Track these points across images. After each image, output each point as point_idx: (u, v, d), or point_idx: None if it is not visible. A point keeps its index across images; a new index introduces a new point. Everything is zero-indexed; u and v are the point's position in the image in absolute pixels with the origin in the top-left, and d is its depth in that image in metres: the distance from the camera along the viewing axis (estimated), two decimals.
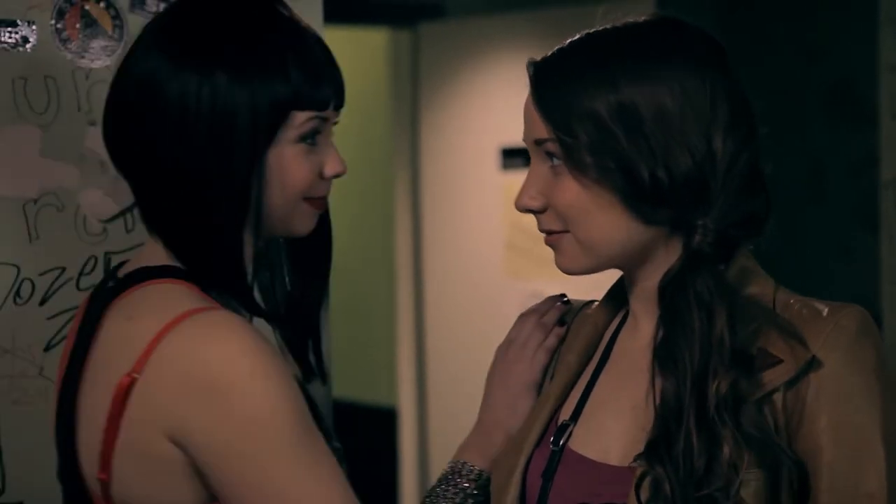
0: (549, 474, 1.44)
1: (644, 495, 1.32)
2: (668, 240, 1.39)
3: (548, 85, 1.39)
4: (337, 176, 1.54)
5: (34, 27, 1.79)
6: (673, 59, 1.37)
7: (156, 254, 1.48)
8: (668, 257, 1.39)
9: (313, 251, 1.62)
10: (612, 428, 1.42)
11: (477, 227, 4.63)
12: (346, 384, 4.58)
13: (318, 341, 1.62)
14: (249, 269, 1.52)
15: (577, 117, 1.36)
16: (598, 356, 1.50)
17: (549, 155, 1.39)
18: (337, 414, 2.31)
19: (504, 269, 4.52)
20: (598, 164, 1.35)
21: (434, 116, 4.80)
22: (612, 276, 1.52)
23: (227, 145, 1.44)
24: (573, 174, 1.37)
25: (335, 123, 1.55)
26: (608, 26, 1.43)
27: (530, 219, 1.44)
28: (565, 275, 1.45)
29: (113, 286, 1.48)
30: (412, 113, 4.86)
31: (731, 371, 1.32)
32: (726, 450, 1.30)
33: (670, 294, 1.37)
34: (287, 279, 1.62)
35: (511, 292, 4.50)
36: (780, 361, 1.32)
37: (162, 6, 1.87)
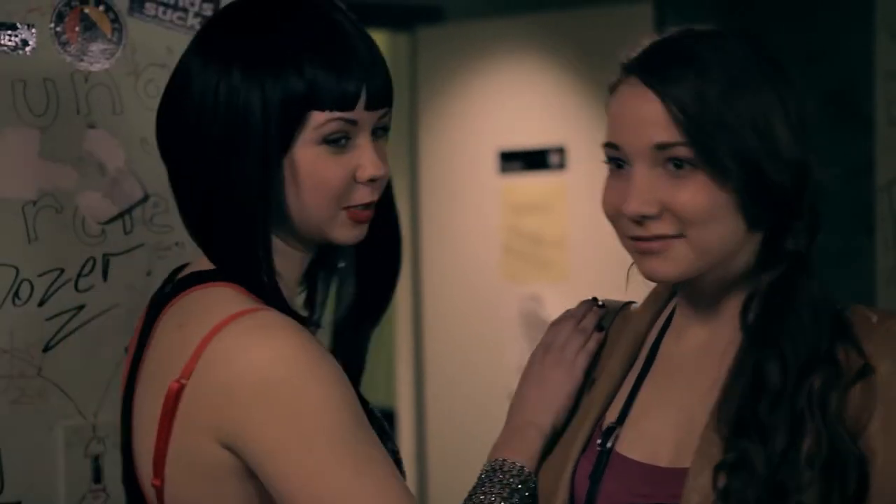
0: (596, 476, 1.45)
1: (721, 481, 1.34)
2: (743, 246, 1.41)
3: (683, 87, 1.36)
4: (372, 180, 1.46)
5: (34, 30, 1.81)
6: (780, 67, 1.41)
7: (206, 258, 1.47)
8: (736, 262, 1.41)
9: (378, 263, 1.57)
10: (660, 431, 1.44)
11: (475, 230, 4.64)
12: None
13: (364, 354, 1.59)
14: (296, 272, 1.50)
15: (715, 123, 1.36)
16: (641, 359, 1.51)
17: (671, 159, 1.37)
18: None
19: (502, 272, 4.53)
20: (734, 168, 1.36)
21: (432, 120, 4.81)
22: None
23: (241, 145, 1.41)
24: (709, 178, 1.36)
25: (383, 125, 1.48)
26: (707, 29, 1.43)
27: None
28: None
29: (168, 291, 1.48)
30: (410, 116, 4.87)
31: (825, 370, 1.35)
32: (807, 442, 1.33)
33: (776, 293, 1.39)
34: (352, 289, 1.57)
35: (509, 295, 4.50)
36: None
37: (161, 10, 1.88)
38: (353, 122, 1.44)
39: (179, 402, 1.39)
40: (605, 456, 1.45)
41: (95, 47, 1.84)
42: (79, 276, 1.83)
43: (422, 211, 4.84)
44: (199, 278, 1.45)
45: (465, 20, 4.68)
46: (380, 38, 5.12)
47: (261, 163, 1.42)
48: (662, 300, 1.53)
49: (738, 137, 1.35)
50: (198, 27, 1.89)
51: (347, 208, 1.46)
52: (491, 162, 4.60)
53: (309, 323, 1.50)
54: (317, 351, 1.39)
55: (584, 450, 1.47)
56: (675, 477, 1.38)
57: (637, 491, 1.41)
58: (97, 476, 1.84)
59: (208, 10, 1.90)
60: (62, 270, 1.82)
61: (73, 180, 1.83)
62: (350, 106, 1.43)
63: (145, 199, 1.87)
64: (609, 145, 1.41)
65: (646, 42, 1.42)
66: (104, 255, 1.85)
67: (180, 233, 1.87)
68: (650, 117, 1.37)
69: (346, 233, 1.47)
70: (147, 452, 1.43)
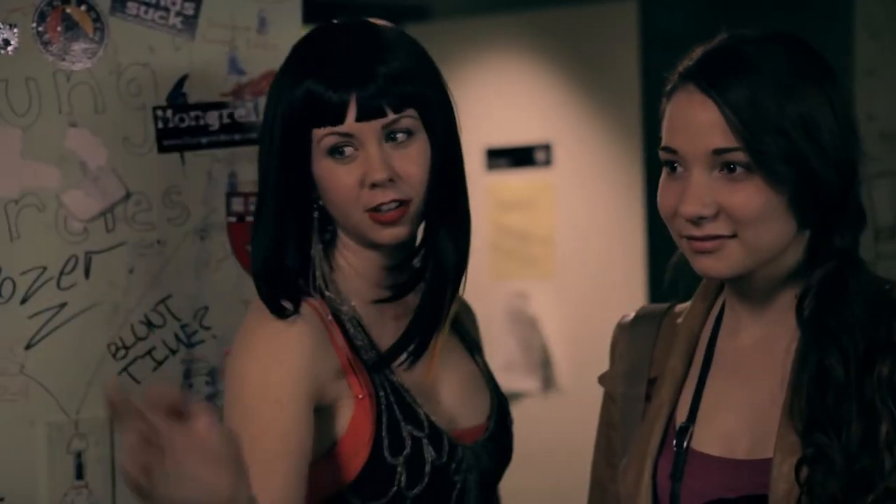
0: (677, 475, 1.49)
1: (803, 474, 1.39)
2: (793, 244, 1.47)
3: (739, 94, 1.42)
4: (375, 185, 1.56)
5: (16, 30, 1.81)
6: (828, 70, 1.48)
7: None
8: (786, 260, 1.47)
9: (440, 271, 1.66)
10: (733, 425, 1.49)
11: None
12: None
13: (424, 348, 1.66)
14: (372, 265, 1.63)
15: (770, 128, 1.41)
16: (699, 357, 1.56)
17: (727, 163, 1.43)
18: None
19: (488, 269, 4.55)
20: (787, 171, 1.42)
21: None
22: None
23: (267, 160, 1.60)
24: (764, 181, 1.42)
25: (401, 129, 1.58)
26: (758, 34, 1.48)
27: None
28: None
29: None
30: None
31: (889, 355, 1.41)
32: (884, 429, 1.38)
33: (828, 289, 1.45)
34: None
35: (495, 292, 4.52)
36: None
37: (143, 10, 1.89)
38: (349, 135, 1.56)
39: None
40: (683, 454, 1.50)
41: (77, 47, 1.85)
42: (61, 273, 1.84)
43: None
44: None
45: (452, 18, 4.70)
46: None
47: (277, 172, 1.59)
48: (711, 296, 1.59)
49: (789, 141, 1.41)
50: (179, 26, 1.91)
51: (368, 211, 1.57)
52: (477, 159, 4.61)
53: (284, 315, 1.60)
54: (273, 342, 1.56)
55: (660, 450, 1.52)
56: (755, 468, 1.44)
57: (722, 485, 1.46)
58: (79, 472, 1.85)
59: (190, 10, 1.91)
60: (44, 268, 1.83)
61: (55, 179, 1.84)
62: (339, 120, 1.55)
63: (127, 197, 1.88)
64: (666, 149, 1.47)
65: (700, 50, 1.48)
66: (86, 253, 1.86)
67: (162, 231, 1.89)
68: (708, 123, 1.43)
69: (378, 233, 1.59)
70: None
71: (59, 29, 1.84)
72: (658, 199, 1.48)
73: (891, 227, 3.00)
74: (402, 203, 1.57)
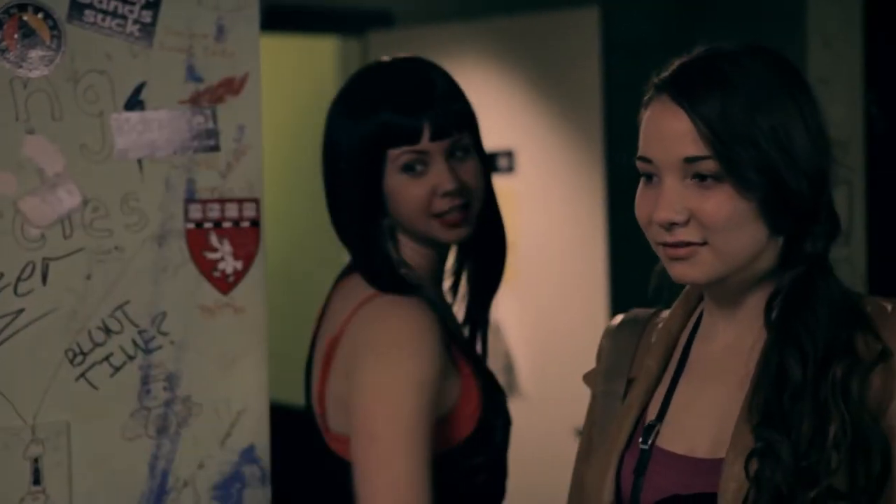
0: (640, 470, 1.55)
1: (753, 467, 1.44)
2: (765, 250, 1.51)
3: (710, 105, 1.47)
4: (446, 194, 1.89)
5: None
6: (801, 82, 1.52)
7: None
8: (759, 265, 1.51)
9: (485, 259, 2.03)
10: (698, 425, 1.54)
11: None
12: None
13: (485, 336, 2.04)
14: (431, 263, 1.96)
15: (740, 138, 1.46)
16: (675, 360, 1.61)
17: (698, 172, 1.47)
18: (288, 416, 2.34)
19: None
20: (757, 179, 1.46)
21: None
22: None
23: (338, 179, 1.94)
24: (734, 190, 1.46)
25: (461, 147, 1.92)
26: (733, 47, 1.53)
27: None
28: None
29: (342, 273, 1.99)
30: None
31: (845, 359, 1.45)
32: (833, 429, 1.43)
33: (795, 293, 1.50)
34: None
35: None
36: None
37: (100, 17, 1.90)
38: (424, 153, 1.89)
39: (334, 351, 1.90)
40: (648, 451, 1.55)
41: (34, 54, 1.86)
42: (18, 280, 1.85)
43: None
44: (351, 269, 1.97)
45: (415, 25, 4.71)
46: (330, 43, 5.14)
47: (357, 189, 1.91)
48: (692, 304, 1.64)
49: (760, 151, 1.46)
50: (137, 34, 1.92)
51: (435, 216, 1.90)
52: None
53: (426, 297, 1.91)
54: (422, 327, 1.83)
55: (627, 447, 1.58)
56: (713, 467, 1.49)
57: (680, 482, 1.51)
58: (36, 478, 1.85)
59: (147, 18, 1.92)
60: (1, 275, 1.84)
61: (12, 186, 1.84)
62: (415, 141, 1.88)
63: (84, 203, 1.89)
64: (641, 159, 1.52)
65: (676, 62, 1.53)
66: (43, 260, 1.86)
67: (120, 237, 1.90)
68: (679, 132, 1.49)
69: (445, 234, 1.92)
70: (316, 388, 1.94)
71: (15, 36, 1.84)
72: (635, 207, 1.53)
73: (844, 233, 3.04)
74: (465, 208, 1.91)
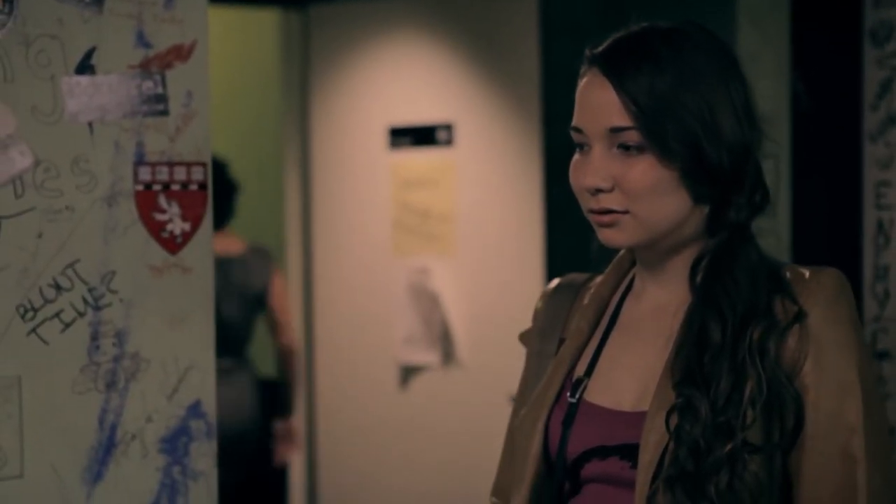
0: (568, 422, 1.63)
1: (673, 422, 1.52)
2: (690, 216, 1.59)
3: (637, 80, 1.54)
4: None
5: None
6: (732, 61, 1.60)
7: None
8: (684, 231, 1.59)
9: None
10: (624, 381, 1.62)
11: (365, 204, 4.72)
12: None
13: None
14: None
15: (664, 112, 1.54)
16: (605, 320, 1.69)
17: (623, 142, 1.55)
18: None
19: (391, 245, 4.63)
20: (679, 150, 1.54)
21: (324, 97, 4.88)
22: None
23: None
24: (656, 159, 1.54)
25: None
26: (667, 26, 1.60)
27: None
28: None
29: None
30: (302, 93, 4.94)
31: (762, 322, 1.54)
32: (749, 387, 1.51)
33: (718, 259, 1.58)
34: None
35: (398, 268, 4.60)
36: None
37: None
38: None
39: None
40: (575, 405, 1.63)
41: None
42: None
43: (313, 185, 4.92)
44: None
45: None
46: (272, 15, 5.18)
47: None
48: (624, 268, 1.72)
49: (682, 124, 1.54)
50: (88, 0, 1.96)
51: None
52: (381, 138, 4.69)
53: None
54: None
55: (556, 401, 1.65)
56: (637, 419, 1.57)
57: (605, 433, 1.59)
58: None
59: None
60: None
61: None
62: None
63: (36, 164, 1.93)
64: (574, 129, 1.60)
65: (612, 36, 1.60)
66: None
67: (70, 197, 1.95)
68: (606, 104, 1.56)
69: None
70: None
71: None
72: (570, 175, 1.61)
73: (771, 204, 3.13)
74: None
